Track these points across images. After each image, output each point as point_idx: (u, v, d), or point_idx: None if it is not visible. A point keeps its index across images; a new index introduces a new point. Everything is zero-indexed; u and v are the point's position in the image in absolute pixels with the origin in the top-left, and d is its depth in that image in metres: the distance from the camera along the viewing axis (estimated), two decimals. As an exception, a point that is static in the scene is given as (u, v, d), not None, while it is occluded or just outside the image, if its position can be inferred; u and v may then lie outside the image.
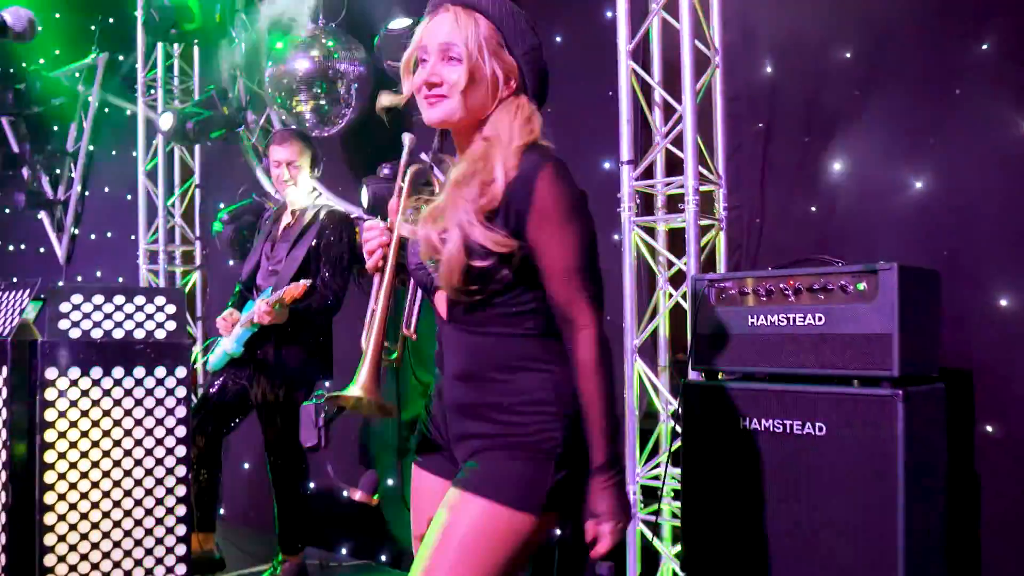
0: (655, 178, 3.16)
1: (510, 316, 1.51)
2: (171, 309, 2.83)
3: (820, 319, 2.12)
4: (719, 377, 2.36)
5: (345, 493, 2.81)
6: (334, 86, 3.98)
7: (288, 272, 3.11)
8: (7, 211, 6.84)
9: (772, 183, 3.02)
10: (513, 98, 1.55)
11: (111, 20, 5.88)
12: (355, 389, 1.41)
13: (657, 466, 3.11)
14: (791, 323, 2.17)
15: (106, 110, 5.98)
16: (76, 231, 6.30)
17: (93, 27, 6.02)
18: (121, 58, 5.73)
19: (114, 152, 5.93)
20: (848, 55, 2.82)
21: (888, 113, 2.74)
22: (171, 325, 2.81)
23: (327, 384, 3.42)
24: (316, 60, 3.95)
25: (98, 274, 6.07)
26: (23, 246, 6.95)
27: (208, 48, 4.95)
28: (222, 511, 5.06)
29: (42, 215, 6.42)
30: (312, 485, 4.48)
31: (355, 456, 4.25)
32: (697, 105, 2.90)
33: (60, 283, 6.31)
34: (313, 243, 3.18)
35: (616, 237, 3.17)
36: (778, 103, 2.99)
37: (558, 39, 3.53)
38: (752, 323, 2.24)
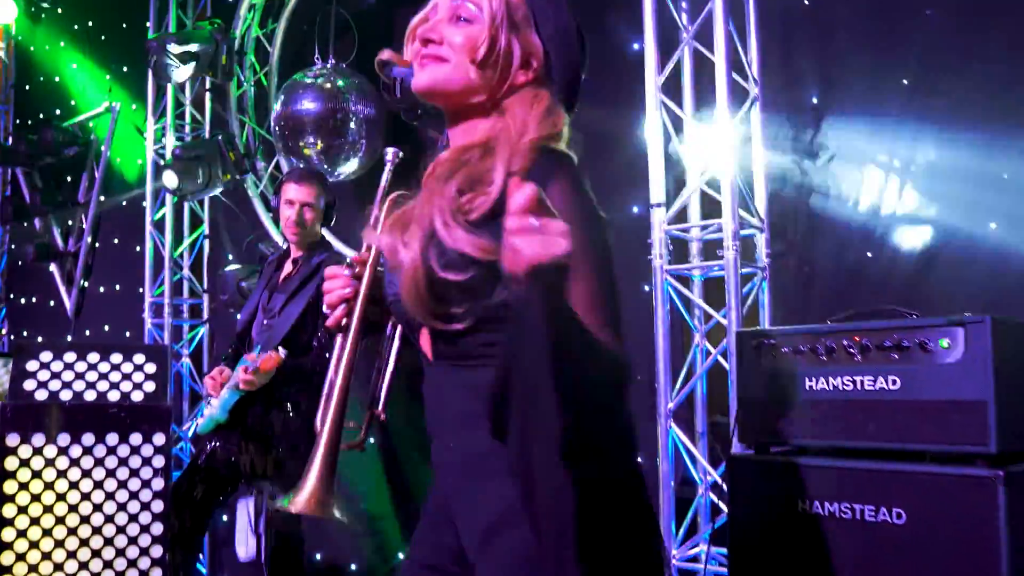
0: (689, 222, 2.86)
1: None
2: (151, 368, 2.56)
3: (894, 383, 1.78)
4: (770, 450, 2.01)
5: None
6: (344, 128, 3.75)
7: (282, 329, 2.81)
8: (20, 263, 6.72)
9: (821, 227, 2.71)
10: (531, 88, 1.23)
11: (125, 68, 5.79)
12: (300, 501, 1.04)
13: (696, 546, 2.74)
14: (858, 387, 1.83)
15: (118, 159, 5.84)
16: (85, 284, 6.12)
17: (108, 76, 5.94)
18: (134, 107, 5.61)
19: (124, 202, 5.78)
20: (906, 81, 2.52)
21: (953, 146, 2.42)
22: (150, 386, 2.54)
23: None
24: (325, 100, 3.73)
25: (106, 328, 5.87)
26: (34, 299, 6.80)
27: (218, 93, 4.79)
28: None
29: (52, 267, 6.26)
30: (319, 557, 4.15)
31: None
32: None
33: (68, 338, 6.13)
34: (312, 298, 2.87)
35: (647, 288, 2.85)
36: (827, 136, 2.69)
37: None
38: (811, 387, 1.90)
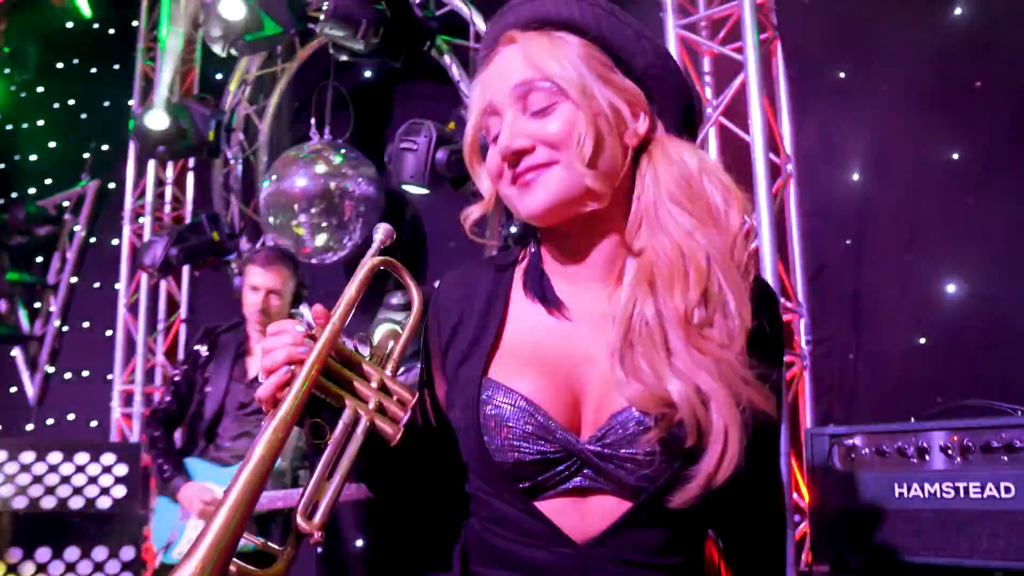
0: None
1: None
2: (121, 470, 2.23)
3: (1007, 490, 1.52)
4: (850, 567, 1.73)
5: None
6: (339, 206, 3.53)
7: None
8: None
9: (867, 310, 2.50)
10: (658, 140, 0.96)
11: (105, 147, 5.58)
12: None
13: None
14: (962, 495, 1.57)
15: (92, 240, 5.58)
16: (51, 369, 5.75)
17: (87, 155, 5.73)
18: (112, 185, 5.39)
19: (97, 284, 5.48)
20: (956, 156, 2.36)
21: (1011, 221, 2.25)
22: (119, 491, 2.21)
23: None
24: (319, 178, 3.51)
25: (70, 417, 5.48)
26: (-7, 386, 6.40)
27: (202, 170, 4.59)
28: None
29: (16, 351, 5.89)
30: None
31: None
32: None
33: (29, 426, 5.72)
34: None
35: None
36: (870, 215, 2.51)
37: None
38: (901, 494, 1.64)
